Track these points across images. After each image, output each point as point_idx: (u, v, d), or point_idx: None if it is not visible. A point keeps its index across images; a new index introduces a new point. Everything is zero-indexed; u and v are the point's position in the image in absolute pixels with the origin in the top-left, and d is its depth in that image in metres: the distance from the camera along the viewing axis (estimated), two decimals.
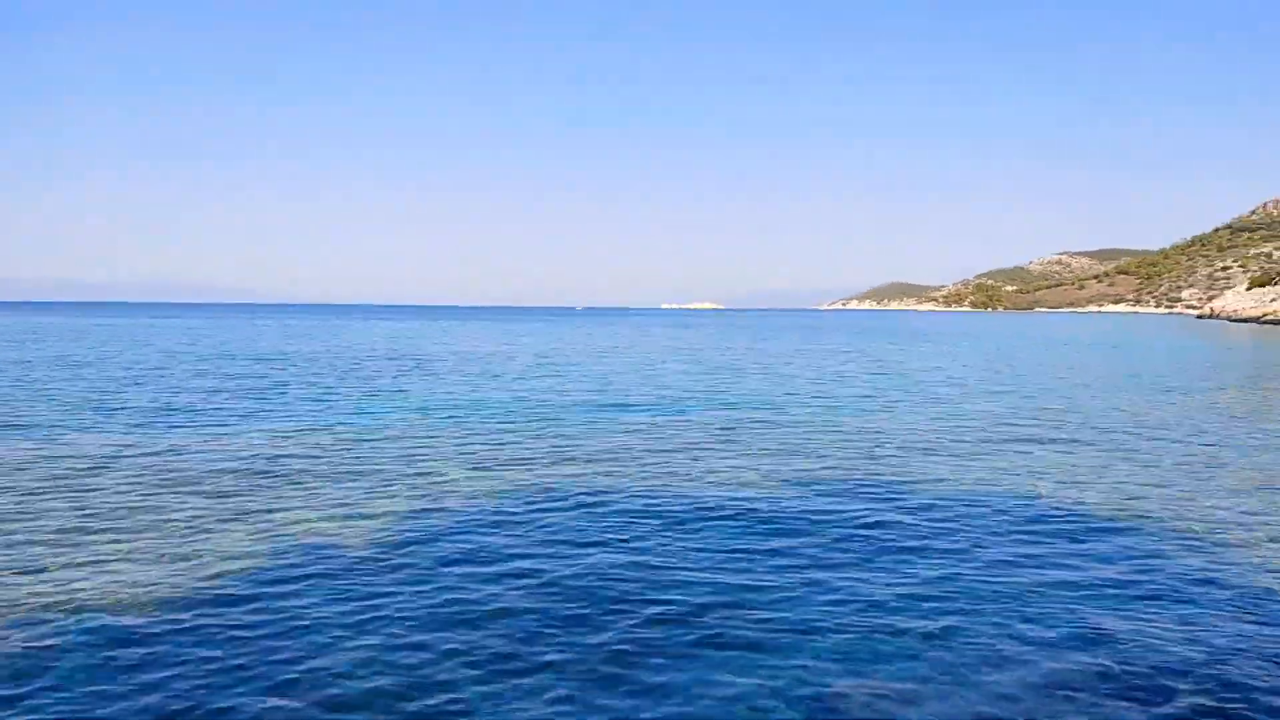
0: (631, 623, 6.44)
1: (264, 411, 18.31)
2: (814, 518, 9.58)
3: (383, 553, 8.08)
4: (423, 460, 12.85)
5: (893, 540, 8.72)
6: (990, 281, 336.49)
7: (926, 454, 13.79)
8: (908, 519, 9.57)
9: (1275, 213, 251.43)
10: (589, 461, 12.89)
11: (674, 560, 7.99)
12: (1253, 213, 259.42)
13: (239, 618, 6.40)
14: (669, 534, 8.88)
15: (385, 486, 10.98)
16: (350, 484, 11.09)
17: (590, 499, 10.39)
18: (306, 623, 6.32)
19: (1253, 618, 6.65)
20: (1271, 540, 8.82)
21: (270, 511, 9.60)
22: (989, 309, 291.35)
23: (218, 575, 7.37)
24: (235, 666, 5.59)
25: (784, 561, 7.97)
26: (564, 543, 8.52)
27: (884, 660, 5.86)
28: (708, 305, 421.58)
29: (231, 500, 10.14)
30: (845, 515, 9.72)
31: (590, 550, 8.27)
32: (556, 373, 29.75)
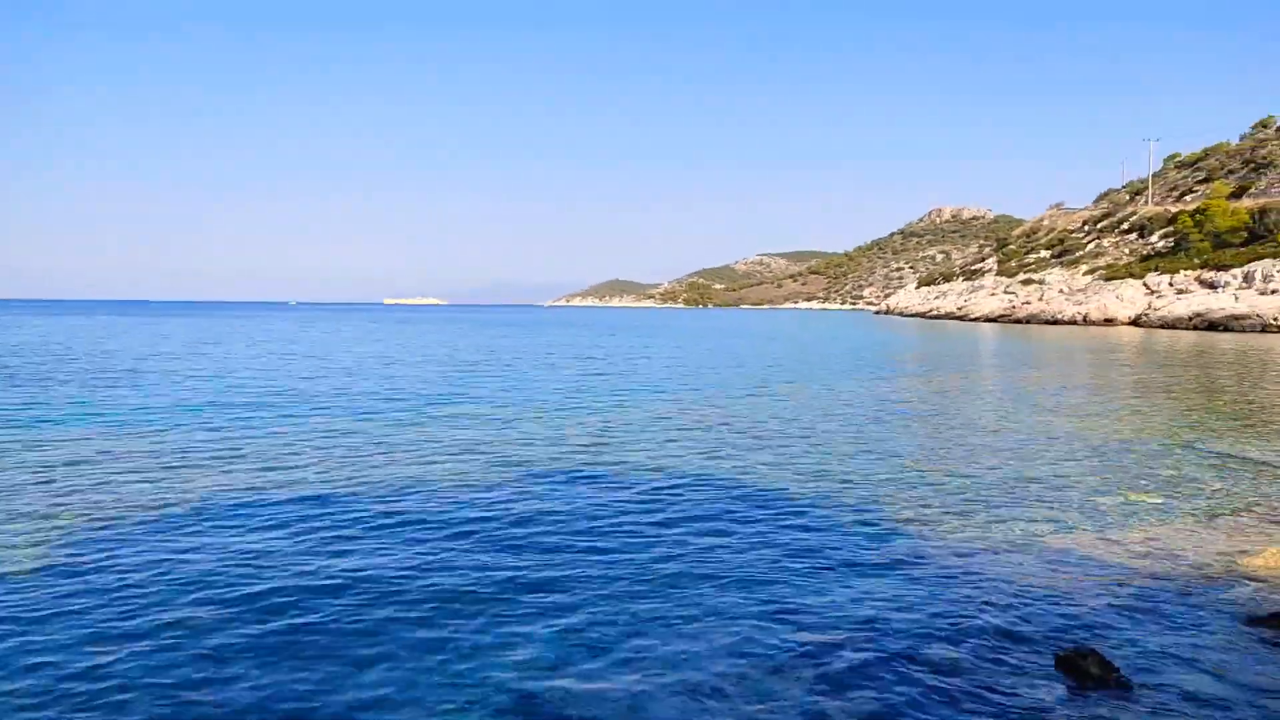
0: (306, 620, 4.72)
1: None
2: (511, 513, 8.25)
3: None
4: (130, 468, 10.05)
5: (588, 531, 7.59)
6: (701, 280, 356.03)
7: (625, 445, 12.98)
8: (607, 509, 8.53)
9: (938, 220, 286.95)
10: (256, 464, 10.73)
11: (366, 561, 6.31)
12: (921, 220, 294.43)
13: None
14: (366, 538, 7.14)
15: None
16: None
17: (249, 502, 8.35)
18: None
19: (916, 583, 6.40)
20: (946, 512, 8.65)
21: None
22: (701, 305, 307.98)
23: None
24: None
25: (474, 560, 6.54)
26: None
27: (582, 654, 4.65)
28: (432, 300, 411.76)
29: None
30: (542, 510, 8.48)
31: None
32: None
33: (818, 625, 5.78)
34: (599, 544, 7.54)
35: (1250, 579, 6.60)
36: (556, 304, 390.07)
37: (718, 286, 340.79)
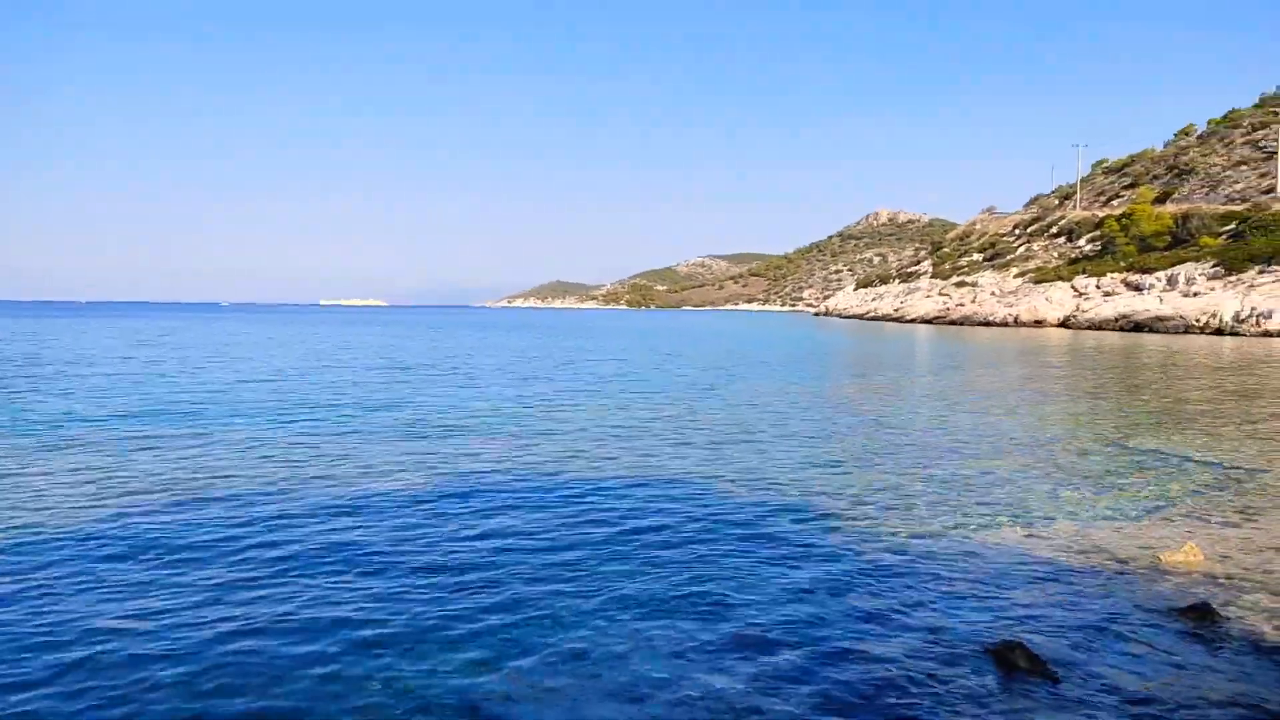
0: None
1: None
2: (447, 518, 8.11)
3: None
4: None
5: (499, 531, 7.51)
6: (644, 282, 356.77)
7: (563, 446, 12.90)
8: (540, 509, 8.46)
9: (876, 223, 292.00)
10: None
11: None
12: (858, 223, 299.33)
13: None
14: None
15: None
16: None
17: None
18: None
19: (852, 579, 6.42)
20: (882, 509, 8.77)
21: None
22: (643, 307, 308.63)
23: None
24: None
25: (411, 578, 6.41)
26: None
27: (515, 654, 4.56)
28: (371, 302, 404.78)
29: None
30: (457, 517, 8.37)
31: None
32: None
33: (754, 621, 5.80)
34: (528, 543, 7.47)
35: (1170, 573, 6.81)
36: (499, 305, 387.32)
37: (660, 288, 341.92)
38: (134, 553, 7.13)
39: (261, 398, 18.35)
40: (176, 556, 7.06)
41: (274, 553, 7.17)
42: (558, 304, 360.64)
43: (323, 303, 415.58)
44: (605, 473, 10.65)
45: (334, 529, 7.90)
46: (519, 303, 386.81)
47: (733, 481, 10.20)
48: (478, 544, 7.51)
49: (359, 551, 7.23)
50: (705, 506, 8.96)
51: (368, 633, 5.53)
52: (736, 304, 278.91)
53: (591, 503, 9.07)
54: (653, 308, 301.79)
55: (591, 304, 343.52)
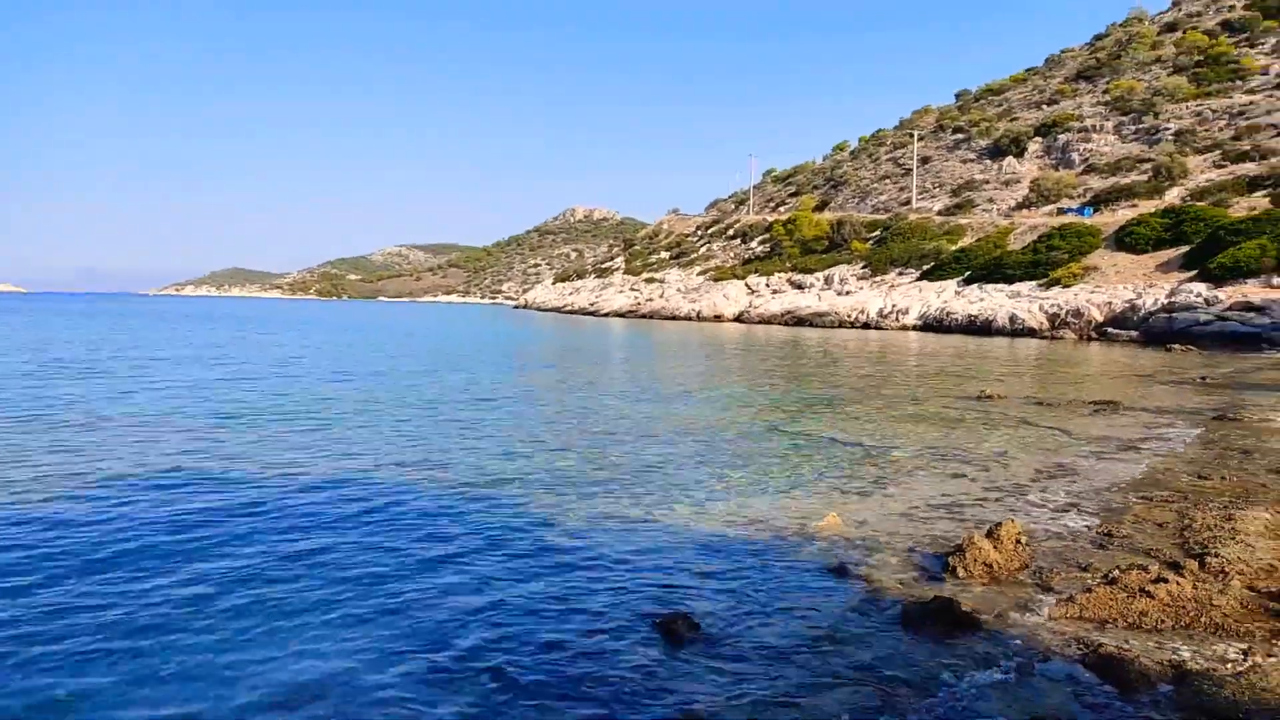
0: None
1: None
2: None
3: None
4: None
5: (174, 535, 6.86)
6: (335, 271, 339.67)
7: (242, 448, 12.01)
8: (218, 514, 7.79)
9: (572, 219, 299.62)
10: None
11: None
12: (556, 218, 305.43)
13: None
14: None
15: None
16: None
17: None
18: None
19: (533, 567, 6.61)
20: (565, 497, 9.07)
21: None
22: (335, 297, 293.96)
23: None
24: None
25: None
26: None
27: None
28: (8, 287, 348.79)
29: None
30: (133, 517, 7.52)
31: None
32: None
33: (431, 617, 5.75)
34: (204, 548, 6.90)
35: (816, 539, 7.65)
36: (164, 292, 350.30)
37: (353, 277, 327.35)
38: None
39: None
40: None
41: None
42: (237, 292, 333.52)
43: None
44: (280, 466, 10.04)
45: None
46: (189, 290, 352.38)
47: (413, 473, 10.04)
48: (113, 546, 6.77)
49: None
50: (383, 499, 8.73)
51: None
52: (436, 295, 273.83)
53: (251, 496, 8.51)
54: (346, 298, 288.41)
55: (275, 293, 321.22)
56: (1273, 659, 5.05)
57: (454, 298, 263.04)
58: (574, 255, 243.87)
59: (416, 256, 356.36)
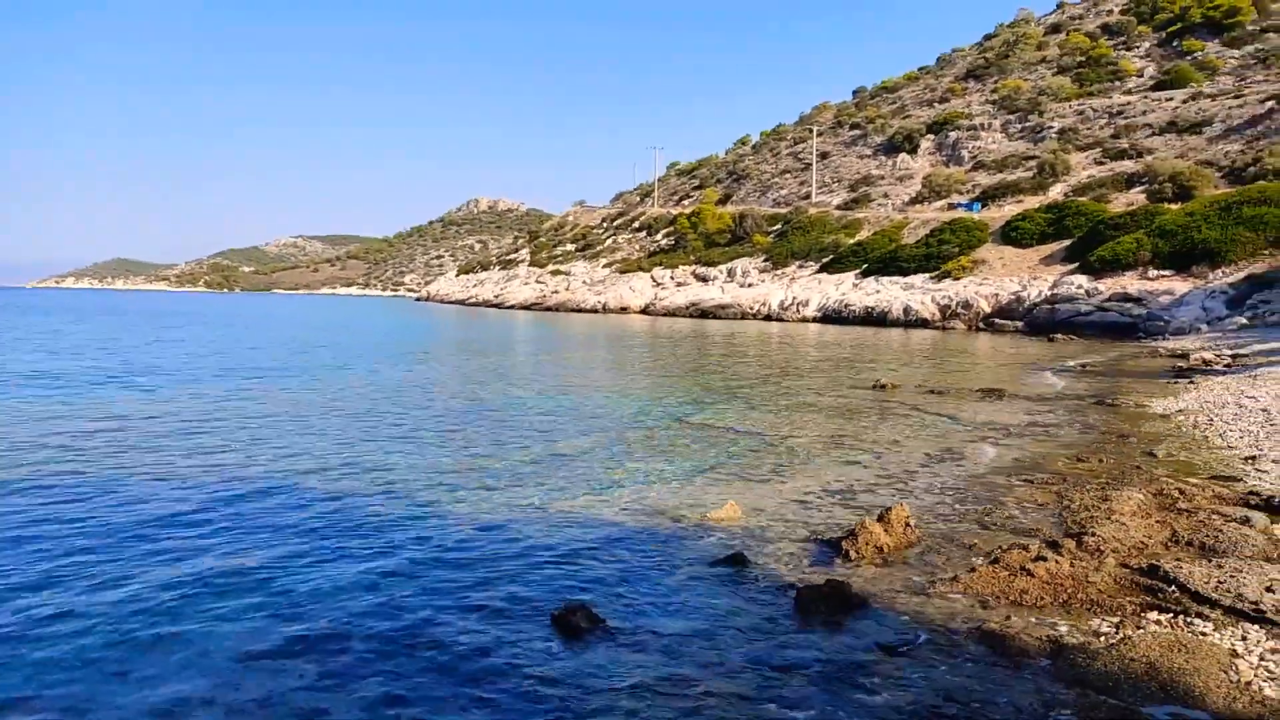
0: None
1: None
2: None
3: None
4: None
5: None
6: (227, 262, 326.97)
7: (129, 444, 11.46)
8: (103, 516, 7.38)
9: (476, 210, 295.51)
10: None
11: None
12: (459, 209, 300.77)
13: None
14: None
15: None
16: None
17: None
18: None
19: (431, 562, 6.50)
20: (465, 490, 8.94)
21: None
22: (227, 289, 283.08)
23: None
24: None
25: None
26: None
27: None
28: None
29: None
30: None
31: None
32: None
33: (327, 616, 5.59)
34: (90, 546, 6.53)
35: (715, 528, 7.72)
36: (43, 285, 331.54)
37: (246, 269, 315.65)
38: None
39: None
40: None
41: None
42: (120, 285, 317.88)
43: None
44: (170, 467, 9.60)
45: None
46: (70, 283, 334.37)
47: (313, 469, 9.74)
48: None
49: None
50: (279, 497, 8.44)
51: None
52: (334, 288, 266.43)
53: (137, 494, 8.12)
54: (238, 290, 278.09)
55: (162, 285, 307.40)
56: (1141, 630, 5.33)
57: (353, 290, 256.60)
58: (478, 247, 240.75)
59: (314, 248, 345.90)
